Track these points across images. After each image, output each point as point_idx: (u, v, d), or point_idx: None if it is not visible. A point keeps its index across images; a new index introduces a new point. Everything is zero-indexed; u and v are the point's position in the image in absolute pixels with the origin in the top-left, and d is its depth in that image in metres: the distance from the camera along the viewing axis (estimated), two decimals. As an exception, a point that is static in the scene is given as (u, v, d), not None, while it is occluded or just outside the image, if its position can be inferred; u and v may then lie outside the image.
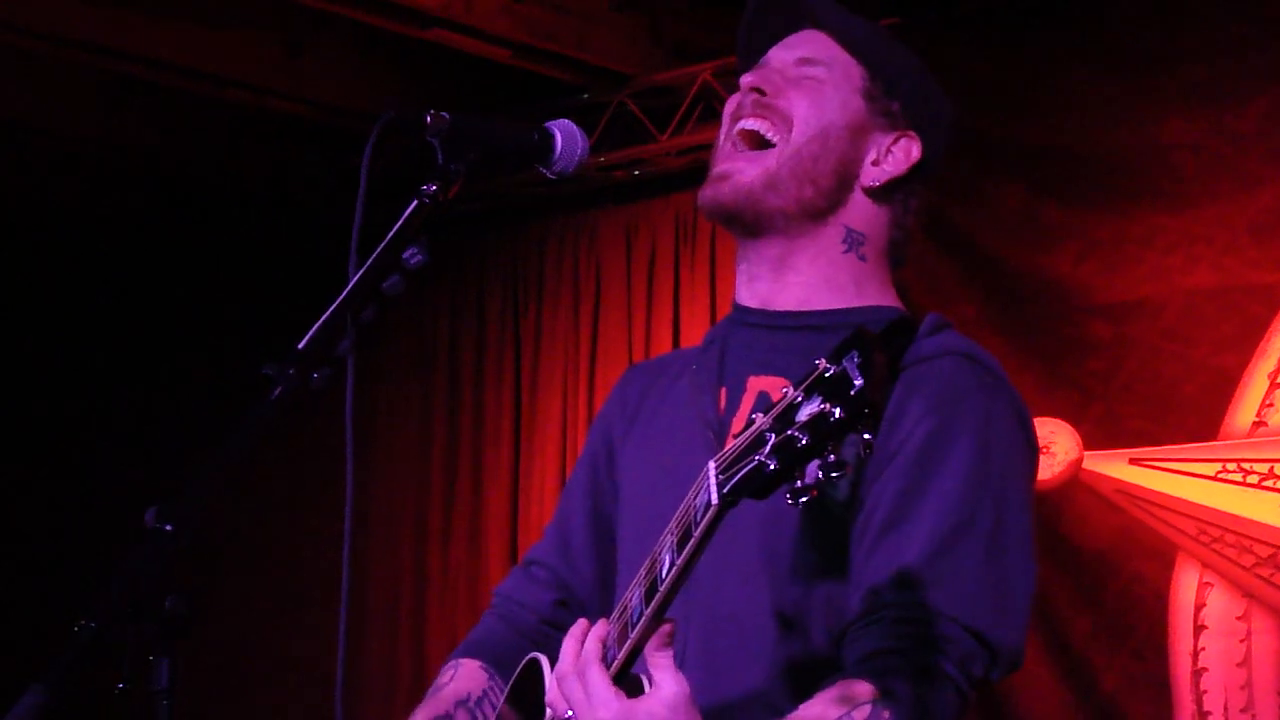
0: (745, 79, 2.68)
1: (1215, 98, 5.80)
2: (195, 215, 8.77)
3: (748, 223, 2.64)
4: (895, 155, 2.66)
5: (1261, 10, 5.75)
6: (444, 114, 2.39)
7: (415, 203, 2.32)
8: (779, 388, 2.51)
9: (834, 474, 1.98)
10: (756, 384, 2.61)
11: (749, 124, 2.64)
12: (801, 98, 2.63)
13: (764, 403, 2.51)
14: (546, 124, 2.54)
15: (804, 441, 1.98)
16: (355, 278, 2.25)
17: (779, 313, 2.65)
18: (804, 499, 2.01)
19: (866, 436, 1.97)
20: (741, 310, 2.70)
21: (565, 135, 2.52)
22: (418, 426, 8.25)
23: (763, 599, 2.47)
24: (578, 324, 7.79)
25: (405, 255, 2.28)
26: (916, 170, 2.68)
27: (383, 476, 8.21)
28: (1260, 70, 5.73)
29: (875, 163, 2.65)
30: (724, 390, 2.65)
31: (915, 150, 2.67)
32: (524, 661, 2.65)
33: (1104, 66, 6.06)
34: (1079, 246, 6.06)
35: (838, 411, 1.96)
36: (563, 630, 2.67)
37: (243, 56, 7.24)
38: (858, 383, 1.95)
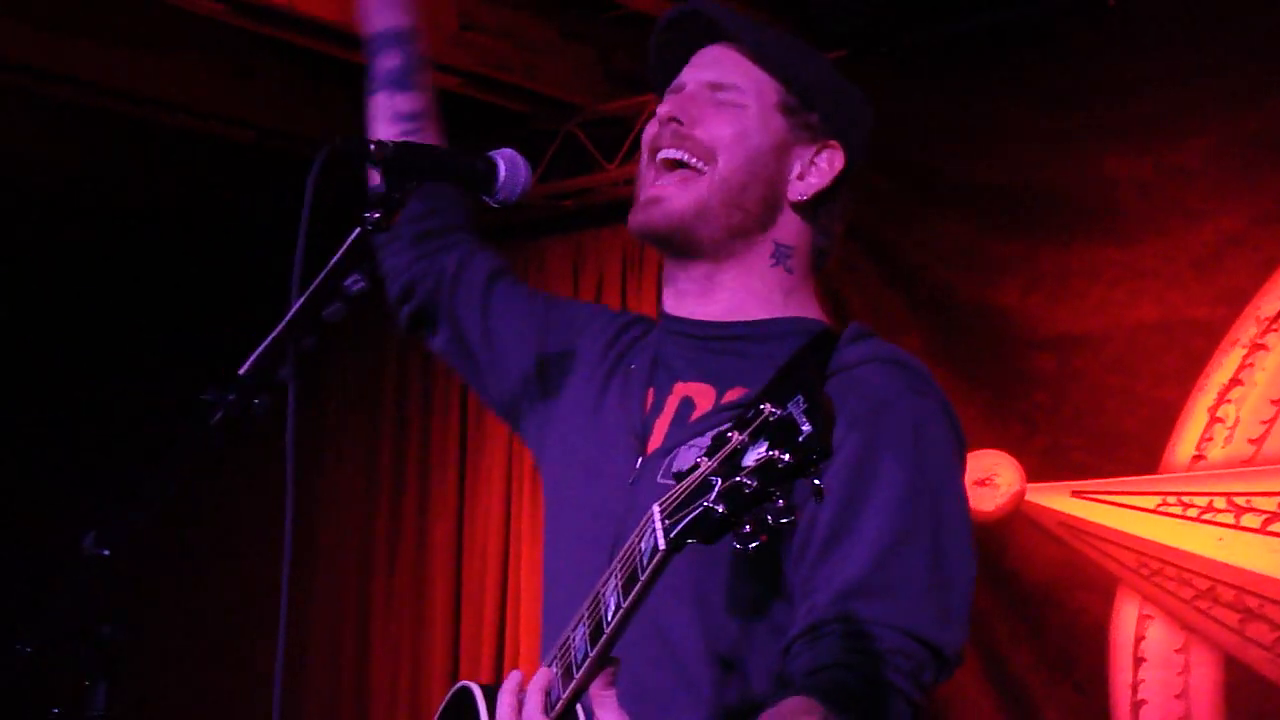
0: (661, 109, 2.67)
1: (1159, 134, 5.83)
2: (140, 241, 8.73)
3: (678, 247, 2.65)
4: (819, 167, 2.66)
5: (1206, 48, 5.78)
6: (388, 142, 2.39)
7: (357, 230, 2.32)
8: (703, 394, 2.52)
9: (783, 520, 1.98)
10: (682, 389, 2.62)
11: (670, 154, 2.64)
12: (722, 125, 2.63)
13: (687, 409, 2.55)
14: (490, 153, 2.54)
15: (752, 487, 1.98)
16: (296, 305, 2.25)
17: (706, 323, 2.66)
18: (754, 544, 2.00)
19: (817, 482, 1.97)
20: (669, 319, 2.71)
21: (508, 164, 2.53)
22: (364, 456, 8.22)
23: (698, 636, 2.46)
24: (525, 352, 7.77)
25: (347, 282, 2.28)
26: (841, 178, 2.68)
27: (328, 505, 8.17)
28: (1204, 107, 5.76)
29: (800, 177, 2.66)
30: (651, 390, 2.66)
31: (838, 160, 2.67)
32: (453, 691, 2.63)
33: (1050, 102, 6.09)
34: (1025, 280, 6.09)
35: (786, 457, 1.95)
36: None
37: (191, 82, 7.21)
38: (805, 428, 1.95)
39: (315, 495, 8.09)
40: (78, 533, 2.00)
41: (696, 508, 2.03)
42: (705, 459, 2.04)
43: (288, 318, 2.24)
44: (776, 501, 1.98)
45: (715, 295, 2.65)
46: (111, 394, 8.86)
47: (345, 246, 2.30)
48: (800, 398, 1.97)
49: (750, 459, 1.98)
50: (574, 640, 2.27)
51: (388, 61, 3.01)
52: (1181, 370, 5.73)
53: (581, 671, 2.24)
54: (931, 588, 2.39)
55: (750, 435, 1.99)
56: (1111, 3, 5.91)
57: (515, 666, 6.89)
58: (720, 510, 2.00)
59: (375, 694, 7.97)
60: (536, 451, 2.86)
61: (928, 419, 2.50)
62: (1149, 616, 5.71)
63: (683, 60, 2.73)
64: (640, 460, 2.57)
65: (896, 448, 2.43)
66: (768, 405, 1.99)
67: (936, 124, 6.28)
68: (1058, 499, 5.90)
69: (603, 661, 2.23)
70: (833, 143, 2.67)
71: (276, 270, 2.42)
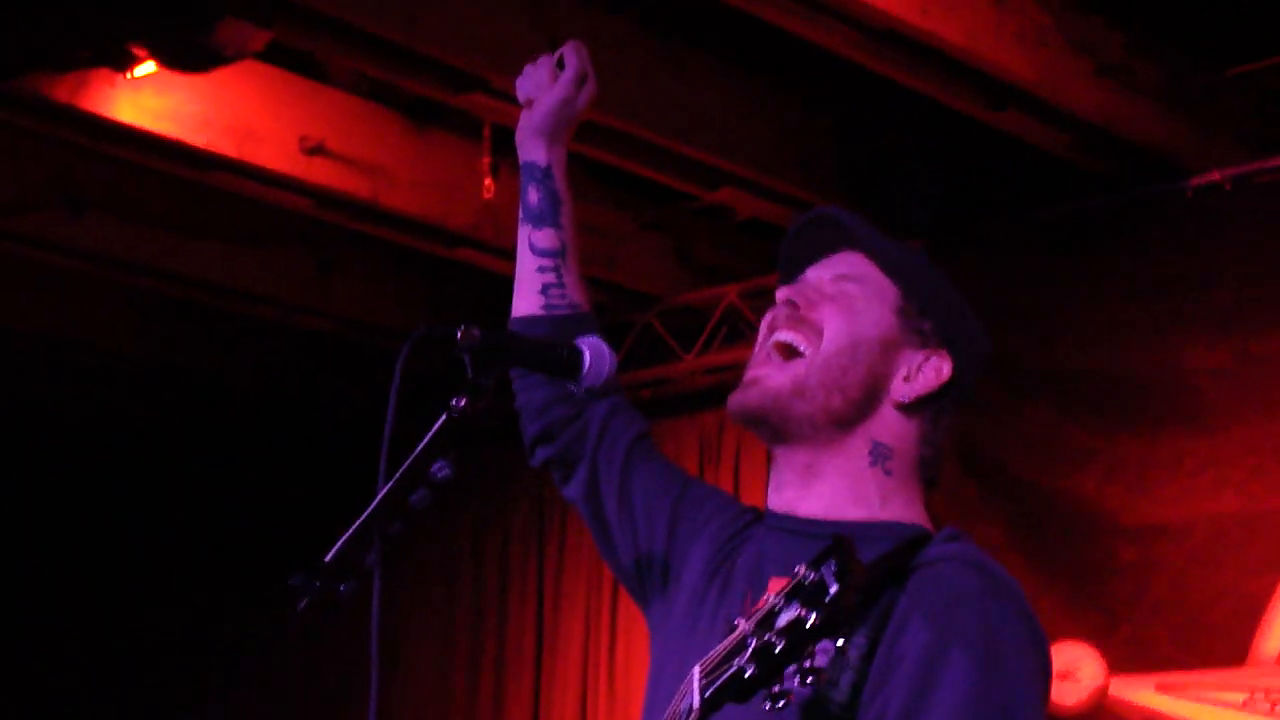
0: (781, 293, 2.70)
1: (1239, 324, 5.83)
2: (223, 430, 8.82)
3: (775, 427, 2.64)
4: (926, 373, 2.66)
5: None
6: (474, 330, 2.42)
7: (444, 417, 2.34)
8: None
9: (809, 679, 2.02)
10: (775, 585, 2.62)
11: (782, 336, 2.66)
12: (835, 311, 2.65)
13: None
14: (576, 341, 2.56)
15: (781, 647, 2.04)
16: (383, 491, 2.26)
17: (804, 519, 2.65)
18: (780, 704, 2.05)
19: (840, 643, 2.02)
20: (770, 515, 2.71)
21: (594, 353, 2.55)
22: (440, 641, 8.22)
23: None
24: (601, 542, 7.77)
25: (433, 469, 2.29)
26: (947, 388, 2.68)
27: (404, 689, 8.16)
28: (1284, 298, 5.77)
29: (906, 379, 2.65)
30: (750, 588, 2.65)
31: (946, 369, 2.67)
32: None
33: (1130, 290, 6.10)
34: (1104, 469, 6.06)
35: (813, 617, 2.01)
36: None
37: (273, 273, 7.33)
38: (832, 589, 2.01)
39: (392, 679, 8.07)
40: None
41: (730, 667, 2.09)
42: (743, 620, 2.11)
43: (374, 504, 2.25)
44: (805, 661, 2.02)
45: (814, 490, 2.65)
46: (200, 582, 8.90)
47: (432, 433, 2.32)
48: (832, 561, 2.04)
49: (782, 620, 2.05)
50: None
51: (530, 196, 3.06)
52: (1267, 561, 5.67)
53: None
54: None
55: (785, 597, 2.07)
56: (1190, 194, 5.94)
57: None
58: (751, 670, 2.06)
59: None
60: (651, 635, 2.87)
61: (1003, 621, 2.46)
62: (1239, 814, 5.61)
63: (809, 262, 2.78)
64: None
65: (968, 645, 2.40)
66: (801, 568, 2.06)
67: (1013, 312, 6.29)
68: (1142, 693, 5.82)
69: None
70: (943, 351, 2.67)
71: (360, 458, 2.44)
